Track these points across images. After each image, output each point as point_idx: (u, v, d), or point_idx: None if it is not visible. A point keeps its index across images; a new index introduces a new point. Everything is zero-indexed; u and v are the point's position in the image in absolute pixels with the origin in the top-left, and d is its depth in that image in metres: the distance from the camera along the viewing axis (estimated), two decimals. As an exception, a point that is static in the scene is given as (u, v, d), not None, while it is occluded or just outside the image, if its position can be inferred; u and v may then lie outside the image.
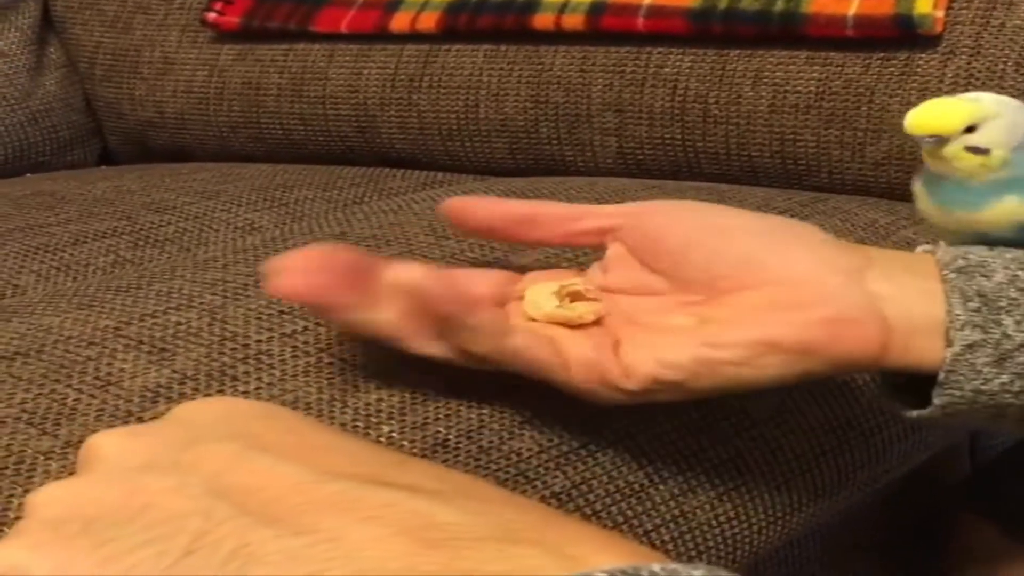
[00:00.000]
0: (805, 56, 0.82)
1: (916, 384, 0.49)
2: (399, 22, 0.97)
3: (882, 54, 0.79)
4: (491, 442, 0.49)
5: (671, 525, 0.53)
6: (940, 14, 0.77)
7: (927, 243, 0.52)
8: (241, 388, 0.48)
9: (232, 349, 0.51)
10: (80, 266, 0.75)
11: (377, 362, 0.50)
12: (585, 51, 0.89)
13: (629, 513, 0.51)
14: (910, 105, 0.77)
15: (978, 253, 0.48)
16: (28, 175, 1.08)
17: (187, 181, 0.91)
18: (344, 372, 0.50)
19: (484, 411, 0.49)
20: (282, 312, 0.53)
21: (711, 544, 0.54)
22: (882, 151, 0.78)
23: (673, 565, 0.26)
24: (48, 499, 0.33)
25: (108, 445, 0.34)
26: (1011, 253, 0.48)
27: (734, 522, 0.55)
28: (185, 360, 0.50)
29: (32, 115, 1.15)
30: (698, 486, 0.54)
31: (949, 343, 0.46)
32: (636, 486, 0.52)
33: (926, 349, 0.47)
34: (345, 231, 0.66)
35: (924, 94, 0.78)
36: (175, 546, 0.29)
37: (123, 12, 1.14)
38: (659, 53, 0.86)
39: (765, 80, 0.83)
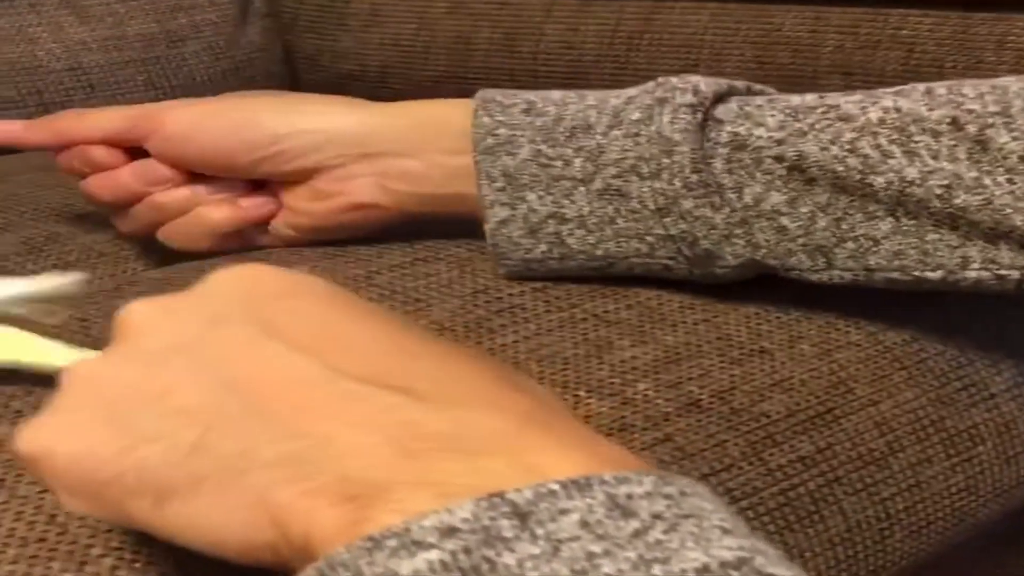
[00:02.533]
0: (1057, 20, 0.79)
1: None
2: (621, -24, 0.95)
3: None
4: (742, 403, 0.49)
5: (906, 494, 0.52)
6: None
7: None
8: (499, 340, 0.49)
9: (486, 302, 0.52)
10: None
11: (630, 320, 0.51)
12: (818, 11, 0.87)
13: (868, 480, 0.51)
14: None
15: (507, 123, 0.55)
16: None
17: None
18: (598, 328, 0.50)
19: (735, 372, 0.50)
20: (530, 267, 0.54)
21: (940, 515, 0.54)
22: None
23: (625, 472, 0.27)
24: (82, 374, 0.35)
25: (140, 319, 0.36)
26: (540, 120, 0.54)
27: (963, 493, 0.55)
28: (440, 311, 0.51)
29: (235, 65, 1.17)
30: (934, 456, 0.54)
31: (486, 220, 0.53)
32: (876, 453, 0.52)
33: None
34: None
35: None
36: (184, 441, 0.31)
37: (332, -38, 1.15)
38: (898, 15, 0.84)
39: (1010, 45, 0.80)
